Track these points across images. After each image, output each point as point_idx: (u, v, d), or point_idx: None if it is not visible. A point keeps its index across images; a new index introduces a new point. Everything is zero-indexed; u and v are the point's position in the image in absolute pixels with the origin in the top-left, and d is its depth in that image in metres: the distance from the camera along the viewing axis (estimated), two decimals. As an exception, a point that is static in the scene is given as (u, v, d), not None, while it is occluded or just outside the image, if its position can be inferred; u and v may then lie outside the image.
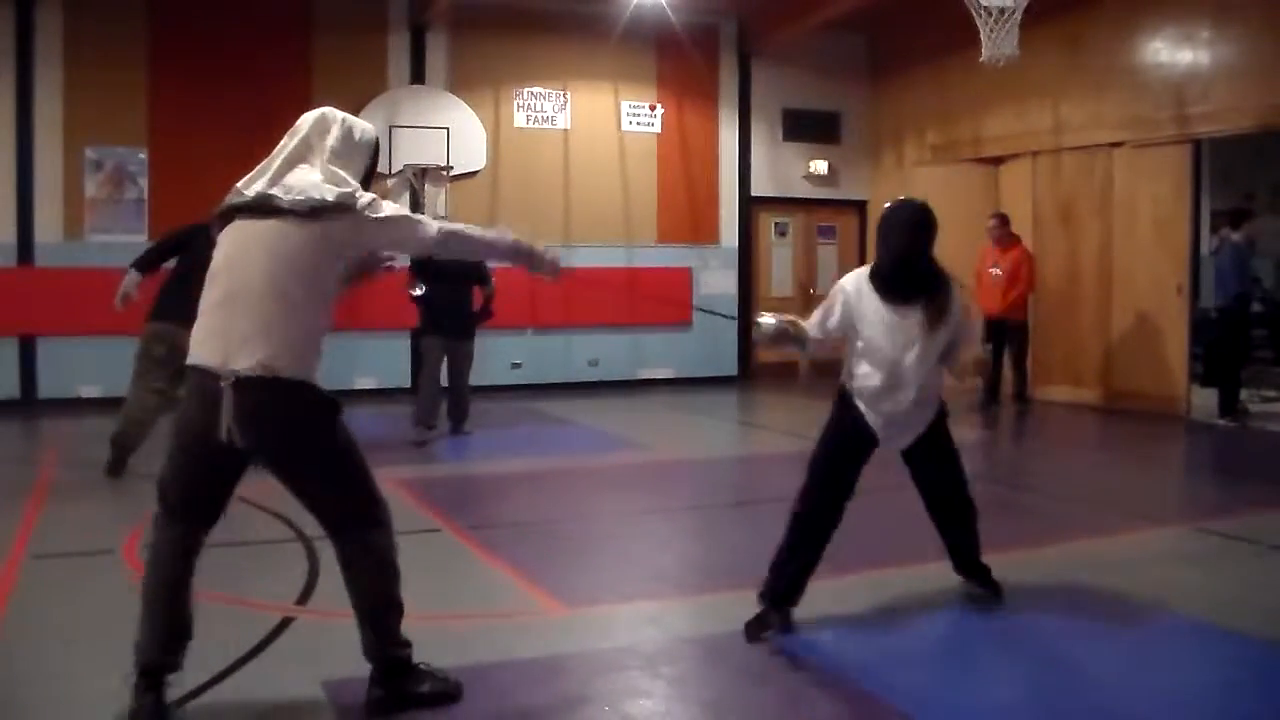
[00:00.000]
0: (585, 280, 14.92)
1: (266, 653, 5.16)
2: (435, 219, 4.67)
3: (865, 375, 5.48)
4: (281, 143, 4.43)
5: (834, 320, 5.54)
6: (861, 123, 18.22)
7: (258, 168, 4.36)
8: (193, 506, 4.31)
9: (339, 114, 4.54)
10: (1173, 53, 13.14)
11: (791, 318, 5.67)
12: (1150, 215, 13.52)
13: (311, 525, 7.38)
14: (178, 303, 8.03)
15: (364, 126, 4.58)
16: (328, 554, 6.76)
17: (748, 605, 5.48)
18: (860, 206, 18.28)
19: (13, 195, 13.88)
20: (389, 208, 4.38)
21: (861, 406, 5.49)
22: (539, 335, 16.28)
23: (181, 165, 14.32)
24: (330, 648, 5.14)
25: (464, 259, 4.48)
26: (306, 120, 4.47)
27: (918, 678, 4.92)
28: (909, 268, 5.41)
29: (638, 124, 16.97)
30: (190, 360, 4.25)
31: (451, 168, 15.58)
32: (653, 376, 16.94)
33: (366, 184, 4.48)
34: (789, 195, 18.03)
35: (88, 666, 4.90)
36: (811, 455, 5.61)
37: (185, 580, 4.31)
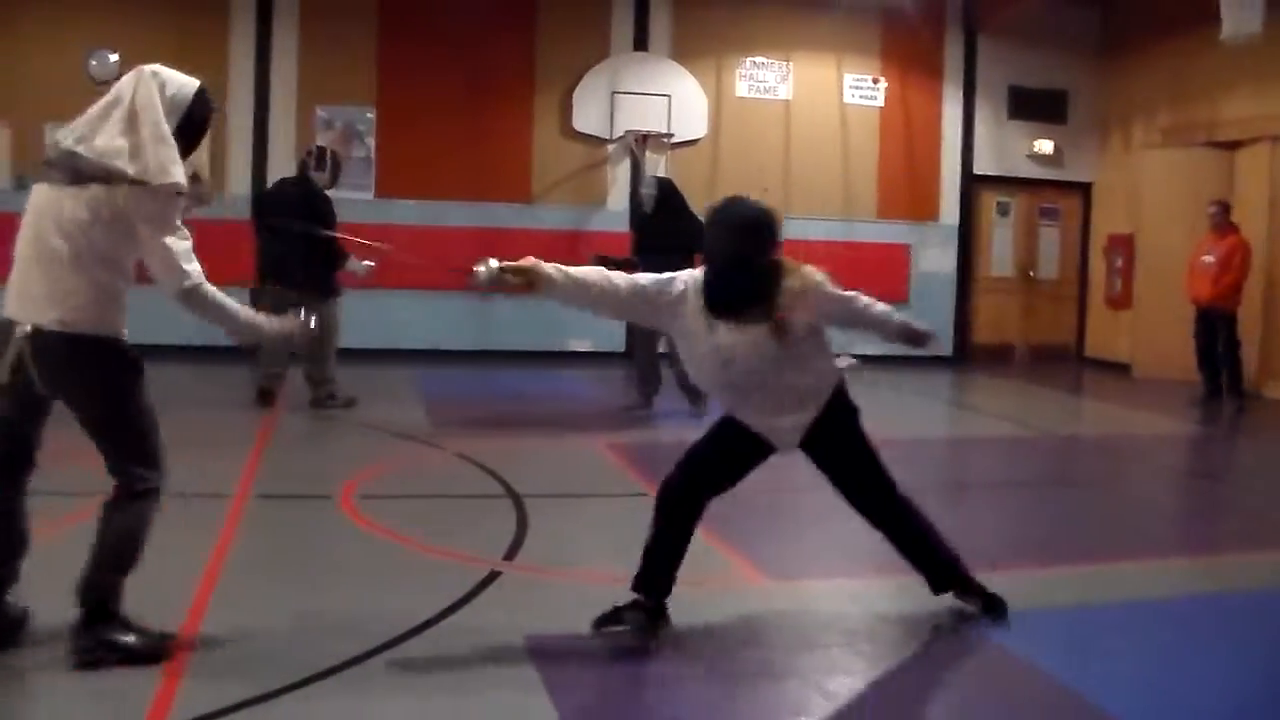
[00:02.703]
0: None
1: (471, 605, 5.26)
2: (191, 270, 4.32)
3: (703, 385, 5.09)
4: (104, 98, 4.34)
5: (660, 296, 4.89)
6: (1090, 102, 17.65)
7: (78, 119, 4.32)
8: (5, 437, 4.47)
9: (155, 72, 4.37)
10: None
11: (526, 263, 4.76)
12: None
13: (521, 482, 7.63)
14: (262, 261, 10.82)
15: (180, 83, 4.41)
16: (536, 510, 6.99)
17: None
18: (1085, 189, 17.77)
19: (249, 154, 14.43)
20: (174, 216, 4.29)
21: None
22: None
23: (407, 125, 14.78)
24: (535, 603, 5.27)
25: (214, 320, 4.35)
26: (126, 78, 4.35)
27: (1123, 674, 4.77)
28: (728, 279, 4.83)
29: (860, 97, 16.75)
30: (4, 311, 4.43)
31: (672, 135, 15.64)
32: (864, 352, 16.69)
33: (183, 141, 4.36)
34: (1012, 175, 17.58)
35: (298, 605, 5.07)
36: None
37: (12, 505, 4.47)
